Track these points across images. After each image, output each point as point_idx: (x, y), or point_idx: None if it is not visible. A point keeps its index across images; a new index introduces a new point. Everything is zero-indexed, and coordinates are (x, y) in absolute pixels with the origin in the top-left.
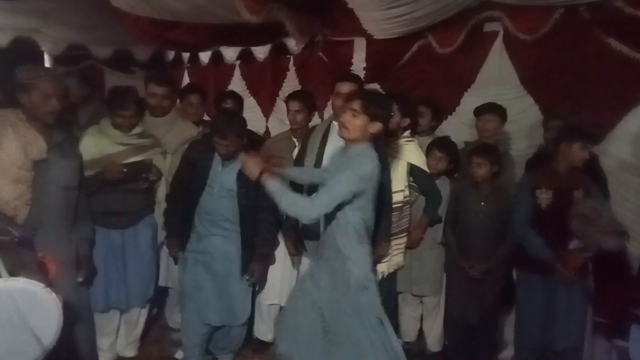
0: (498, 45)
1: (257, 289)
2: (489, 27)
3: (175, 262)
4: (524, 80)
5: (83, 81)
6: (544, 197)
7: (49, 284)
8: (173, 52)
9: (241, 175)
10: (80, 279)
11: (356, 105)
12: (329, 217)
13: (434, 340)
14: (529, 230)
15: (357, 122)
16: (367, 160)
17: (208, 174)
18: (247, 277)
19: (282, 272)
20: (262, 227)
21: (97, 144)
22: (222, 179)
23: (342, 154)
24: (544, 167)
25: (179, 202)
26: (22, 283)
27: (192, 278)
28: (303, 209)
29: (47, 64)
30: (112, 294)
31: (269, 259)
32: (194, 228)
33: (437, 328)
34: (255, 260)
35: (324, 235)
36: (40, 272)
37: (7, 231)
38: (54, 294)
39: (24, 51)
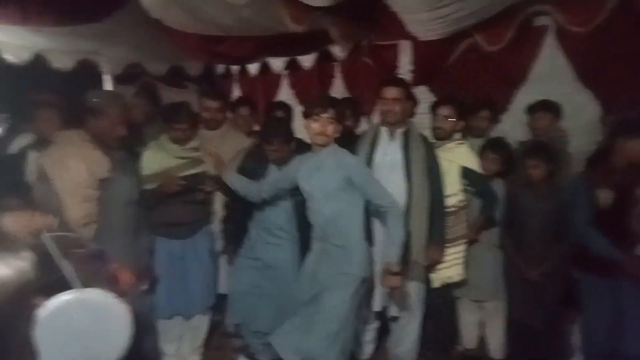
0: (550, 39)
1: None
2: (538, 21)
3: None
4: (580, 75)
5: (150, 100)
6: (603, 196)
7: (121, 294)
8: (223, 65)
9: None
10: (144, 287)
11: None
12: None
13: (496, 346)
14: (592, 230)
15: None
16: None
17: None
18: None
19: None
20: None
21: (156, 159)
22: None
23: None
24: (601, 165)
25: (237, 210)
26: (95, 293)
27: (243, 283)
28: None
29: (106, 83)
30: (175, 302)
31: None
32: (249, 235)
33: (499, 333)
34: None
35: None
36: (112, 283)
37: (83, 245)
38: (124, 304)
39: (86, 73)
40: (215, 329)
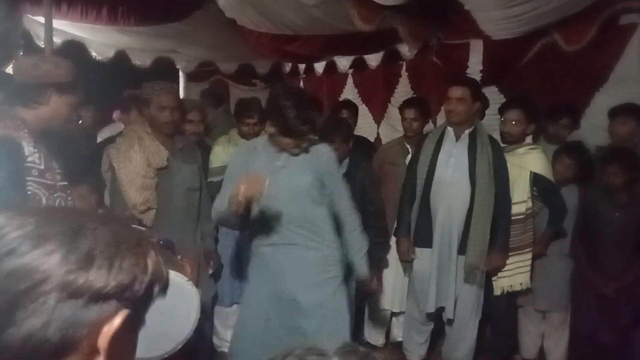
0: (637, 38)
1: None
2: (625, 19)
3: None
4: None
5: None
6: None
7: None
8: (290, 64)
9: (349, 180)
10: (210, 271)
11: None
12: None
13: (556, 359)
14: None
15: None
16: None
17: None
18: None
19: (394, 278)
20: (373, 232)
21: (226, 152)
22: None
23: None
24: None
25: None
26: (171, 274)
27: None
28: None
29: (181, 80)
30: (236, 290)
31: (383, 263)
32: None
33: (561, 346)
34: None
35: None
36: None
37: (152, 234)
38: (195, 288)
39: (163, 70)
40: None
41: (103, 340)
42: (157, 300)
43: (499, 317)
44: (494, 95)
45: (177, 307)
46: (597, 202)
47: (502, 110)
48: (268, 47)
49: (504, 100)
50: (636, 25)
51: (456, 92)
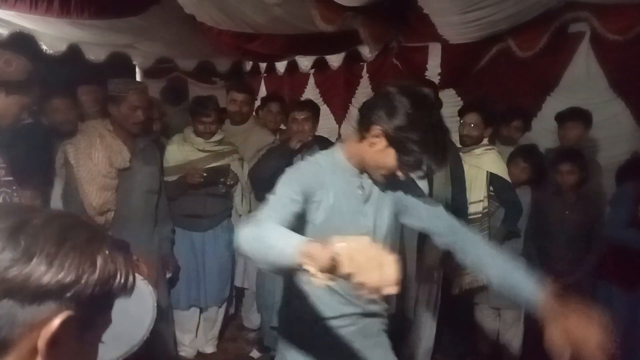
0: (584, 46)
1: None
2: (574, 27)
3: None
4: (614, 84)
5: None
6: None
7: None
8: (251, 63)
9: None
10: (168, 275)
11: None
12: None
13: (512, 354)
14: (628, 231)
15: None
16: None
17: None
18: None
19: None
20: None
21: (180, 151)
22: None
23: None
24: None
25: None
26: None
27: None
28: None
29: (138, 76)
30: (193, 293)
31: None
32: None
33: (514, 343)
34: None
35: None
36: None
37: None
38: (151, 287)
39: (119, 65)
40: (230, 321)
41: (41, 342)
42: (118, 302)
43: (456, 315)
44: (451, 98)
45: (131, 307)
46: (549, 203)
47: (461, 114)
48: (228, 44)
49: (461, 102)
50: (584, 33)
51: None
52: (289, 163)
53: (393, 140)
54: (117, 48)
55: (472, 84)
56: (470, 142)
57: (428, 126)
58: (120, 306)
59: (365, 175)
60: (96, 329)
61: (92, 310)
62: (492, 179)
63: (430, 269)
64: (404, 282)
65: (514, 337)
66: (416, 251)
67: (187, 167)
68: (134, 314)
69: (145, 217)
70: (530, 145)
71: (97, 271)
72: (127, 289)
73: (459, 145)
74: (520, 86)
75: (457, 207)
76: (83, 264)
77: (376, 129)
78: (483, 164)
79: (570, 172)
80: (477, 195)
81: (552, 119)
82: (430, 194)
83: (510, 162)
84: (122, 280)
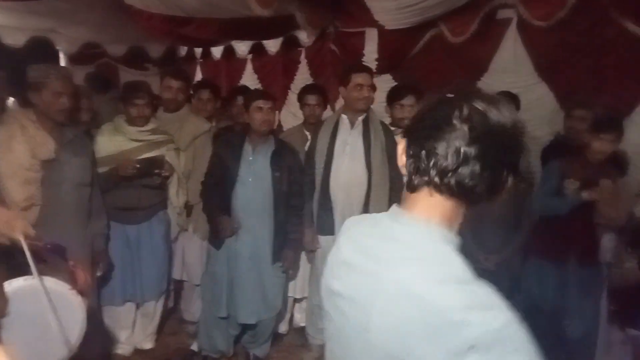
0: (512, 32)
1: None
2: (502, 14)
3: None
4: (539, 68)
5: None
6: (572, 187)
7: (79, 292)
8: (186, 48)
9: (274, 159)
10: (99, 273)
11: None
12: None
13: None
14: (555, 199)
15: None
16: None
17: (239, 165)
18: (280, 264)
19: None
20: (294, 213)
21: (112, 141)
22: (255, 166)
23: None
24: (574, 157)
25: (215, 198)
26: (50, 283)
27: (226, 276)
28: None
29: (62, 63)
30: (129, 288)
31: (301, 245)
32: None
33: None
34: (287, 247)
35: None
36: (70, 280)
37: (39, 238)
38: (80, 297)
39: (40, 51)
40: (170, 314)
41: None
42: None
43: None
44: (388, 83)
45: (62, 319)
46: None
47: (396, 97)
48: (160, 29)
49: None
50: (511, 20)
51: (365, 78)
52: (242, 147)
53: None
54: (38, 32)
55: (408, 69)
56: (404, 124)
57: None
58: (43, 321)
59: None
60: None
61: None
62: None
63: None
64: None
65: None
66: None
67: (119, 158)
68: (63, 326)
69: (77, 211)
70: None
71: None
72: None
73: (392, 128)
74: (454, 71)
75: (395, 188)
76: None
77: None
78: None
79: None
80: None
81: None
82: (370, 176)
83: None
84: None
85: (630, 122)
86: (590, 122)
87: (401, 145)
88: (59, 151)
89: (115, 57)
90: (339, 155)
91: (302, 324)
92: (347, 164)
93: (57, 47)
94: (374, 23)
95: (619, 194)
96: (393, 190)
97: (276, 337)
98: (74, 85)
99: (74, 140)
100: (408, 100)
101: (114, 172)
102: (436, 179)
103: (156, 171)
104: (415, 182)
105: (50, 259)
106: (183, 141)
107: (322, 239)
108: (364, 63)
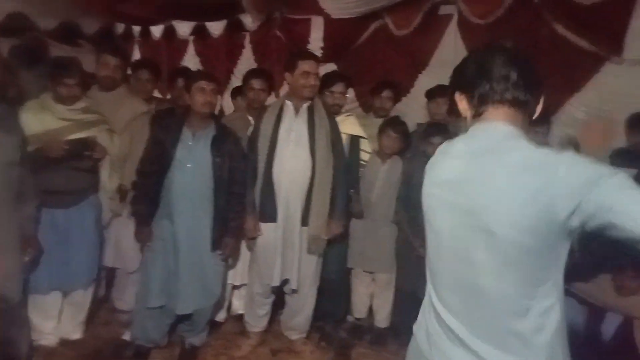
0: (452, 28)
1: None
2: (444, 10)
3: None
4: None
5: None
6: None
7: None
8: (123, 25)
9: (215, 144)
10: (26, 259)
11: None
12: None
13: (383, 316)
14: None
15: None
16: None
17: (177, 149)
18: (220, 252)
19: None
20: (235, 200)
21: (38, 119)
22: (195, 152)
23: None
24: None
25: (151, 185)
26: None
27: (162, 264)
28: None
29: None
30: (55, 276)
31: (241, 233)
32: (162, 210)
33: (387, 305)
34: (228, 234)
35: None
36: None
37: None
38: None
39: None
40: (102, 304)
41: None
42: None
43: (333, 280)
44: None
45: None
46: (417, 172)
47: (329, 84)
48: (95, 5)
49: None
50: (452, 16)
51: (312, 65)
52: (180, 130)
53: None
54: None
55: (352, 59)
56: (336, 111)
57: None
58: None
59: None
60: None
61: None
62: (353, 140)
63: (315, 239)
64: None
65: (386, 300)
66: (299, 222)
67: (46, 138)
68: None
69: (4, 193)
70: (395, 117)
71: None
72: None
73: None
74: (397, 63)
75: (339, 175)
76: None
77: None
78: (346, 129)
79: (440, 143)
80: None
81: (423, 95)
82: (314, 163)
83: (381, 133)
84: None
85: (557, 119)
86: None
87: (458, 97)
88: None
89: (45, 30)
90: (283, 142)
91: (241, 312)
92: (292, 151)
93: None
94: (320, 11)
95: None
96: (336, 178)
97: (214, 325)
98: (3, 58)
99: (1, 116)
100: (338, 87)
101: (40, 152)
102: (503, 96)
103: (86, 153)
104: (484, 105)
105: None
106: (118, 123)
107: (264, 226)
108: (309, 50)
